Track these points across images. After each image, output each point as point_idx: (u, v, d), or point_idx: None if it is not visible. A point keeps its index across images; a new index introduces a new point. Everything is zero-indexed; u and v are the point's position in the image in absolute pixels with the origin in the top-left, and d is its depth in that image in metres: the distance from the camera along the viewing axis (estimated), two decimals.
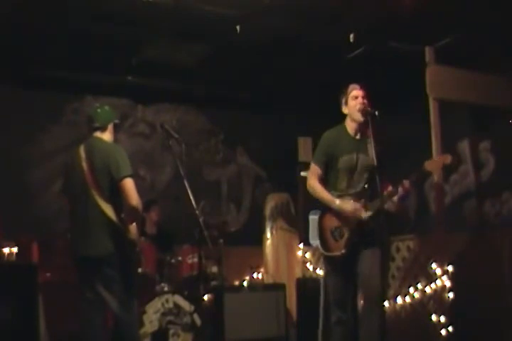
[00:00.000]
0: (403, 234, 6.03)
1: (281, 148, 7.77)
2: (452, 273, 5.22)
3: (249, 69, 6.55)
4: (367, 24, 5.45)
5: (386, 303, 5.07)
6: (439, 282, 5.24)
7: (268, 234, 6.79)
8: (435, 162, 4.01)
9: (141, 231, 4.16)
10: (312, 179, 4.13)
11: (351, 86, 4.11)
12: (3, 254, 5.36)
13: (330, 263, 4.13)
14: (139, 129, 7.22)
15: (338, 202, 3.99)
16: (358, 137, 4.10)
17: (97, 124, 4.18)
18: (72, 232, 4.08)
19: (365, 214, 3.94)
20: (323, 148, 4.15)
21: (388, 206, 4.07)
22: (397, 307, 5.62)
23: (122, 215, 3.98)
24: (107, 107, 4.32)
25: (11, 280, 5.01)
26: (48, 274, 5.41)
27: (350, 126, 4.13)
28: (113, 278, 3.92)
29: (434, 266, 5.30)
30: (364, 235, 3.95)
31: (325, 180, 4.12)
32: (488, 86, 5.77)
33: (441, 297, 5.21)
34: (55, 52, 5.93)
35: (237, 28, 5.35)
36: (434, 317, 5.21)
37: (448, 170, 5.98)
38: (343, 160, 4.05)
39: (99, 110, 4.26)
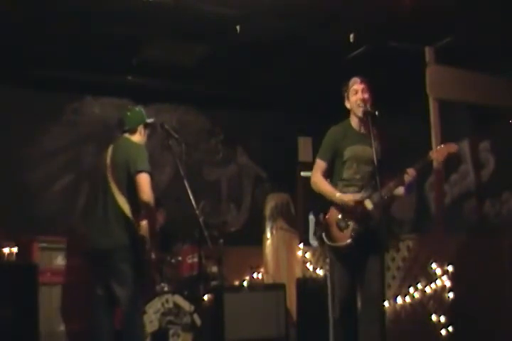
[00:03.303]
0: (403, 234, 6.03)
1: (281, 148, 7.77)
2: (452, 273, 5.22)
3: (249, 69, 6.55)
4: (367, 24, 5.45)
5: (386, 303, 5.07)
6: (439, 282, 5.24)
7: (268, 234, 6.80)
8: (440, 150, 3.99)
9: (153, 229, 4.21)
10: (316, 174, 4.13)
11: (352, 79, 4.12)
12: (3, 254, 5.36)
13: (335, 254, 4.08)
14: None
15: (338, 194, 4.00)
16: (362, 131, 4.11)
17: (126, 127, 4.35)
18: (89, 226, 4.24)
19: (369, 205, 3.94)
20: (328, 144, 4.14)
21: (398, 192, 4.03)
22: (397, 307, 5.62)
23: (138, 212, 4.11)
24: (137, 109, 4.48)
25: (11, 280, 5.01)
26: (48, 274, 5.42)
27: (354, 120, 4.15)
28: (126, 273, 3.99)
29: (434, 266, 5.30)
30: (369, 229, 3.93)
31: (330, 172, 4.13)
32: (488, 86, 5.77)
33: (441, 297, 5.21)
34: (55, 52, 5.93)
35: (237, 28, 5.35)
36: (434, 317, 5.21)
37: (449, 169, 5.97)
38: (349, 151, 4.05)
39: (129, 113, 4.42)
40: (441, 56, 5.65)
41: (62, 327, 5.35)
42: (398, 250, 5.92)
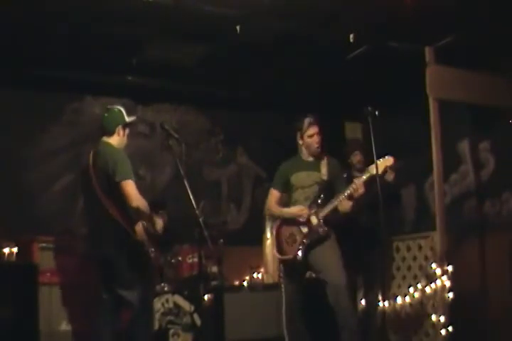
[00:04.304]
0: (402, 234, 6.03)
1: (281, 148, 7.75)
2: (452, 273, 5.23)
3: (249, 69, 6.54)
4: (367, 24, 5.45)
5: (386, 303, 5.07)
6: (439, 282, 5.24)
7: (268, 234, 6.79)
8: (378, 165, 4.23)
9: (150, 230, 4.22)
10: (270, 202, 4.76)
11: (306, 121, 4.63)
12: (3, 254, 5.37)
13: (286, 268, 4.64)
14: (139, 129, 7.20)
15: (284, 209, 4.64)
16: (310, 159, 4.69)
17: (105, 129, 4.29)
18: (87, 232, 4.27)
19: (315, 220, 4.43)
20: (279, 176, 4.79)
21: (343, 207, 4.49)
22: (397, 307, 5.62)
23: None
24: (116, 109, 4.36)
25: (11, 280, 5.01)
26: (48, 274, 5.42)
27: (303, 152, 4.74)
28: (130, 278, 3.99)
29: (434, 266, 5.31)
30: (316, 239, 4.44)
31: (284, 200, 4.73)
32: (488, 86, 5.77)
33: (441, 297, 5.21)
34: (55, 52, 5.92)
35: (237, 28, 5.35)
36: (434, 317, 5.22)
37: (449, 169, 5.97)
38: (295, 177, 4.66)
39: (106, 115, 4.33)
40: (441, 56, 5.65)
41: (62, 327, 5.35)
42: (398, 250, 5.92)
